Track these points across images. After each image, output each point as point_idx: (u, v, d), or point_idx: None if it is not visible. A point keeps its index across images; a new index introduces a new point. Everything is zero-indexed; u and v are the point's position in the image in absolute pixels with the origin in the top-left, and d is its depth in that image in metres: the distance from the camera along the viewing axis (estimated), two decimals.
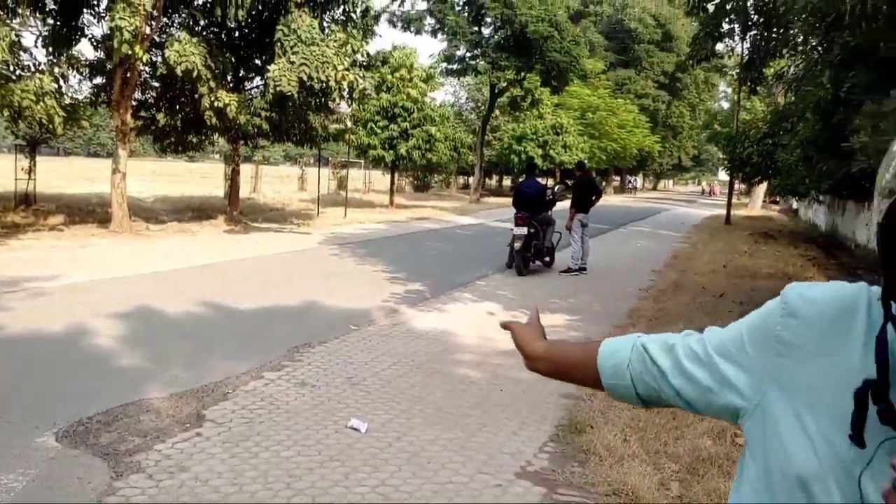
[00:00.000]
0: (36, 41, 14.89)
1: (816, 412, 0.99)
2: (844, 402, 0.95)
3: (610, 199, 41.01)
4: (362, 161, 33.40)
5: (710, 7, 16.69)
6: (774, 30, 14.44)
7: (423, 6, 35.54)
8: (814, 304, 1.05)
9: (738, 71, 25.30)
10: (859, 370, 0.97)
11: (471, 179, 43.20)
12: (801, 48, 10.00)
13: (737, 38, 18.29)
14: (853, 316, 1.01)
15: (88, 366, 6.07)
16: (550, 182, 39.90)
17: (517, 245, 12.28)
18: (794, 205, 39.18)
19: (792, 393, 1.03)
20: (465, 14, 34.90)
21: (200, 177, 40.20)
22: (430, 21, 34.76)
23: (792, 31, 11.22)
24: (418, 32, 34.15)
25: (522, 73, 35.80)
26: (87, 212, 18.39)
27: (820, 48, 8.83)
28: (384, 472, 4.27)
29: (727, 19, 16.77)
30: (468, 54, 36.06)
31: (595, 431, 4.92)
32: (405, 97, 27.92)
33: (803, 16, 8.33)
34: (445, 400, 5.64)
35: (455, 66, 36.62)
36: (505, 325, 1.56)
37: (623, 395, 1.29)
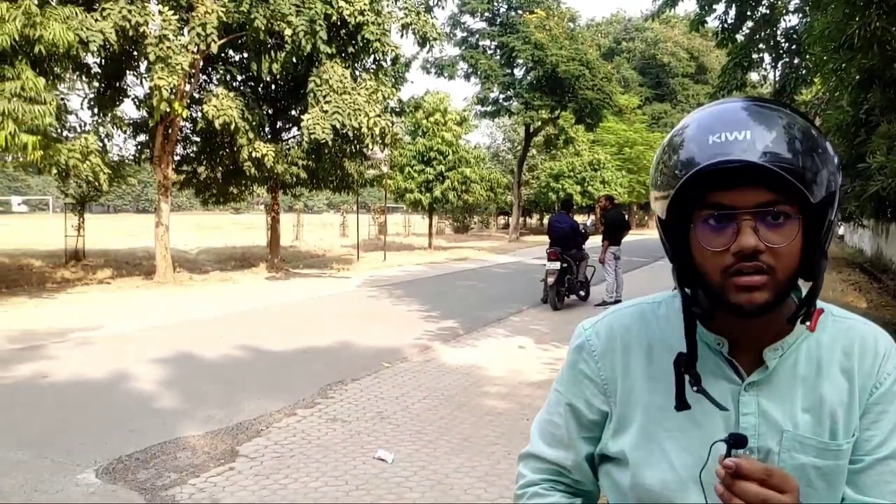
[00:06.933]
0: (81, 103, 15.63)
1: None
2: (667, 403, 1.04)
3: (650, 233, 40.75)
4: (403, 206, 33.84)
5: (740, 38, 16.78)
6: (807, 56, 14.42)
7: (455, 52, 36.04)
8: (598, 335, 1.16)
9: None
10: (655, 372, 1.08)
11: (510, 219, 43.40)
12: (824, 72, 10.02)
13: (767, 66, 18.24)
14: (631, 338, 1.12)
15: (129, 408, 6.30)
16: (593, 218, 39.81)
17: (550, 280, 12.33)
18: (841, 230, 38.45)
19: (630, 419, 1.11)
20: (497, 57, 35.45)
21: (244, 228, 41.05)
22: (462, 66, 35.37)
23: (813, 56, 11.28)
24: (451, 77, 34.72)
25: (556, 112, 36.08)
26: (134, 265, 18.95)
27: (839, 72, 8.86)
28: (408, 498, 4.38)
29: (756, 49, 16.82)
30: (501, 96, 36.50)
31: None
32: (440, 141, 28.39)
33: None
34: (472, 431, 5.73)
35: (489, 108, 37.05)
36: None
37: None
